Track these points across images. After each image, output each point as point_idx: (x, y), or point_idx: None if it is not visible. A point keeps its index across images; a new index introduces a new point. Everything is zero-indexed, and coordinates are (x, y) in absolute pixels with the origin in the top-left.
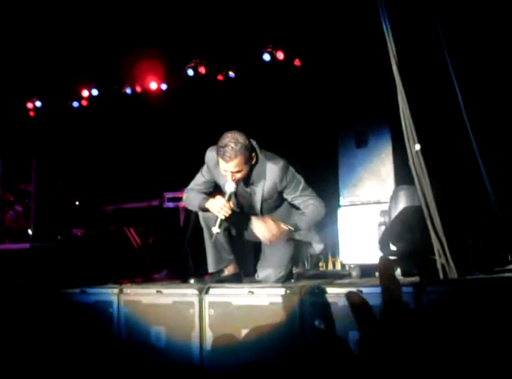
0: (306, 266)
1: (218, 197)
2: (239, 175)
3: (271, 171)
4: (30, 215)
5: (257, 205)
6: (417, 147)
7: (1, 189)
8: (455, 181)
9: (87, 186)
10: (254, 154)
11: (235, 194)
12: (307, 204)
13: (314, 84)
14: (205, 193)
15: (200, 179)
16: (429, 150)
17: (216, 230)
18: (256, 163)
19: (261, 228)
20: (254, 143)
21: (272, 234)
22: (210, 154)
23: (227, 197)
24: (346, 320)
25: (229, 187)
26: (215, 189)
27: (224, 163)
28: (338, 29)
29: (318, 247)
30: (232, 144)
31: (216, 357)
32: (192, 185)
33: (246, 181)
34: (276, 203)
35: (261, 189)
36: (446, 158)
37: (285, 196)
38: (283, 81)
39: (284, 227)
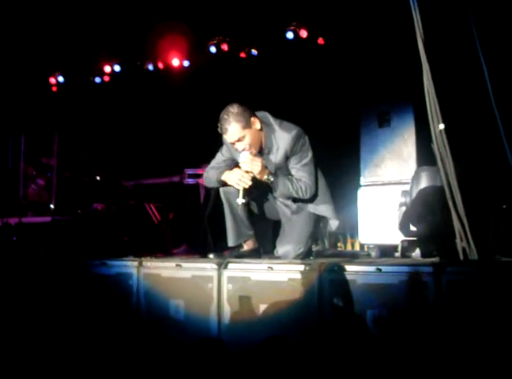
0: (325, 244)
1: (235, 169)
2: (246, 142)
3: (283, 139)
4: (52, 189)
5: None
6: (441, 126)
7: (24, 163)
8: (478, 162)
9: (108, 161)
10: (254, 119)
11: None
12: (299, 182)
13: (337, 63)
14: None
15: (219, 158)
16: (453, 130)
17: (240, 200)
18: (262, 129)
19: (247, 159)
20: (267, 115)
21: (251, 167)
22: None
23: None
24: (364, 298)
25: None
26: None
27: (225, 137)
28: (362, 7)
29: (334, 224)
30: (225, 116)
31: (233, 331)
32: (212, 163)
33: (260, 151)
34: (288, 171)
35: (274, 158)
36: (470, 139)
37: (289, 164)
38: (306, 60)
39: (264, 174)
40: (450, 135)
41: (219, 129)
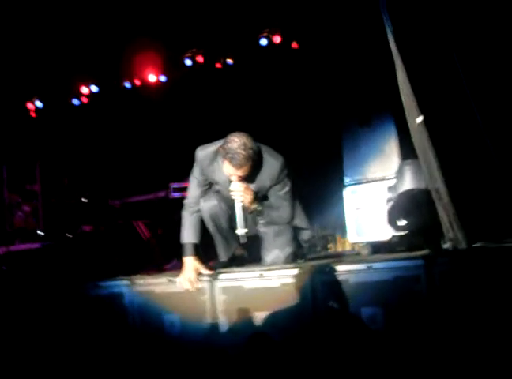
0: (307, 248)
1: (237, 183)
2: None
3: (270, 166)
4: (38, 214)
5: None
6: (419, 119)
7: (8, 192)
8: (459, 151)
9: (93, 183)
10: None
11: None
12: (281, 210)
13: (314, 65)
14: (205, 194)
15: (193, 185)
16: (431, 121)
17: (241, 231)
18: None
19: (240, 187)
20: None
21: (243, 196)
22: (203, 153)
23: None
24: (358, 296)
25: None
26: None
27: (233, 169)
28: (333, 9)
29: (306, 233)
30: (243, 152)
31: (230, 341)
32: (188, 198)
33: None
34: (267, 196)
35: (256, 183)
36: (449, 128)
37: (270, 191)
38: (282, 65)
39: (254, 203)
40: (429, 126)
41: (228, 158)
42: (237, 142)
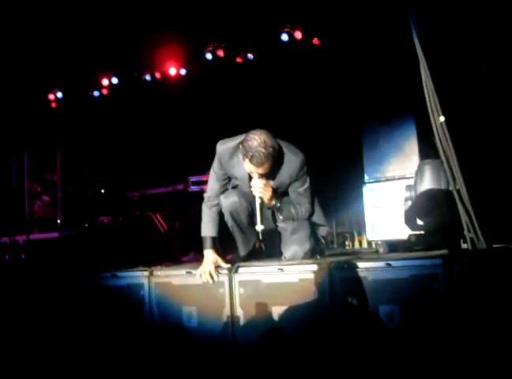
0: (324, 245)
1: (257, 179)
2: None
3: (290, 163)
4: (57, 204)
5: None
6: (441, 118)
7: (28, 181)
8: (481, 152)
9: (112, 174)
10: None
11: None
12: (301, 206)
13: (335, 62)
14: (224, 188)
15: (213, 179)
16: (454, 122)
17: (259, 227)
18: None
19: (260, 183)
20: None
21: (262, 193)
22: (223, 148)
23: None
24: (376, 293)
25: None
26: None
27: (253, 167)
28: (356, 4)
29: (323, 229)
30: (263, 150)
31: (247, 335)
32: (207, 192)
33: None
34: (287, 192)
35: (275, 179)
36: (471, 129)
37: (289, 187)
38: (303, 61)
39: (273, 199)
40: (451, 126)
41: (248, 156)
42: (257, 140)
